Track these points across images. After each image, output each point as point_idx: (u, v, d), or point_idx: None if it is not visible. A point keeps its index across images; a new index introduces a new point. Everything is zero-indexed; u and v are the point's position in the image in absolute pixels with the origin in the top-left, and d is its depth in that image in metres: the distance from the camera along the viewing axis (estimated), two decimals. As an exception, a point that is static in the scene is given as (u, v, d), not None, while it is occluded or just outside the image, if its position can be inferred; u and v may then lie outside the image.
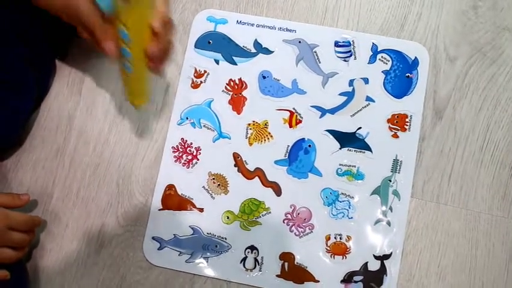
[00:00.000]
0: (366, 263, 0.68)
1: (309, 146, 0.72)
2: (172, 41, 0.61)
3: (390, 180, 0.70)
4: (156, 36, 0.57)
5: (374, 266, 0.68)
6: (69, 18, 0.58)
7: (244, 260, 0.69)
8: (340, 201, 0.70)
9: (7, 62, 0.66)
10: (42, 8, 0.59)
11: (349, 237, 0.69)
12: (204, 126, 0.73)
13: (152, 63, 0.60)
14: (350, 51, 0.74)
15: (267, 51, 0.75)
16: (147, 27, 0.57)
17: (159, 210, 0.71)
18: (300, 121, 0.73)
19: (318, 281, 0.68)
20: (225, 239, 0.70)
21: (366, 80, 0.73)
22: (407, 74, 0.73)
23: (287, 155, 0.72)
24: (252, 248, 0.70)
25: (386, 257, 0.68)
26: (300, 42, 0.75)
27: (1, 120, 0.68)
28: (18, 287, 0.66)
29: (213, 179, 0.72)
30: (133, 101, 0.65)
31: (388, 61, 0.74)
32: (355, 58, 0.74)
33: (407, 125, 0.72)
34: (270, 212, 0.71)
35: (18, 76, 0.68)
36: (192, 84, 0.75)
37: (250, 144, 0.73)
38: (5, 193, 0.68)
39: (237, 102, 0.74)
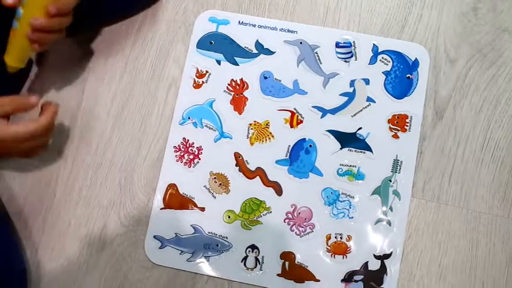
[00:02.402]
0: (366, 262, 0.69)
1: (310, 146, 0.72)
2: (63, 28, 0.62)
3: (390, 180, 0.71)
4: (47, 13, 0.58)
5: (374, 265, 0.69)
6: None
7: (245, 259, 0.70)
8: (341, 201, 0.70)
9: None
10: None
11: (349, 237, 0.69)
12: (206, 126, 0.74)
13: (33, 35, 0.60)
14: (351, 52, 0.75)
15: (269, 52, 0.75)
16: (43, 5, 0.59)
17: (161, 209, 0.72)
18: (301, 121, 0.73)
19: (319, 280, 0.69)
20: (226, 238, 0.70)
21: (366, 81, 0.74)
22: (407, 75, 0.74)
23: (288, 155, 0.72)
24: (253, 247, 0.70)
25: (387, 256, 0.69)
26: (301, 43, 0.75)
27: None
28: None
29: (215, 178, 0.72)
30: (6, 59, 0.64)
31: (389, 62, 0.74)
32: (356, 59, 0.74)
33: (407, 126, 0.72)
34: (270, 212, 0.71)
35: None
36: (194, 84, 0.75)
37: (252, 144, 0.73)
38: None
39: (239, 103, 0.74)
